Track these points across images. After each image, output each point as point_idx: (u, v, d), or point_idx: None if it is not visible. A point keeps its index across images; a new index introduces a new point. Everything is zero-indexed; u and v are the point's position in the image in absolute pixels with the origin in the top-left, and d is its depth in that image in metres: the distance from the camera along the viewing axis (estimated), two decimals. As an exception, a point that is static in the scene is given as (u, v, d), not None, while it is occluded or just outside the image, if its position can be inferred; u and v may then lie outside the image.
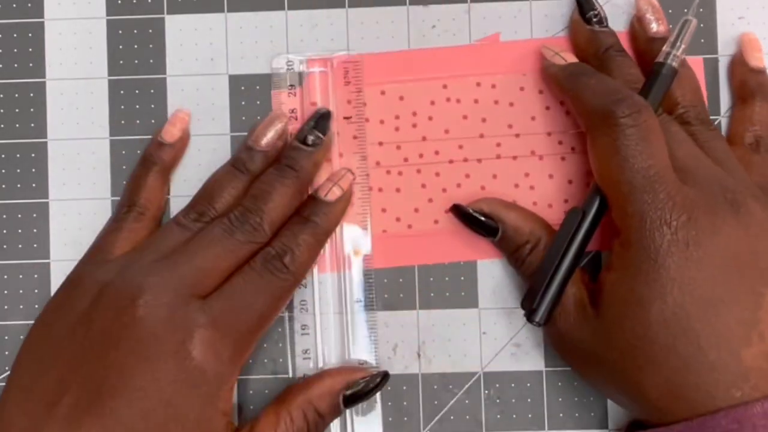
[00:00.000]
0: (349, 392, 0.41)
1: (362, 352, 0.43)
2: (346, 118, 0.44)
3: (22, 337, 0.43)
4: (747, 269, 0.36)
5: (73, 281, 0.41)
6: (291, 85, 0.44)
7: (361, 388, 0.41)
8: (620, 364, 0.37)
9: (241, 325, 0.38)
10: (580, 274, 0.40)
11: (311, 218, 0.41)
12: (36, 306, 0.44)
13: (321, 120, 0.42)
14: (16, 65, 0.45)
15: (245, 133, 0.44)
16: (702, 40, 0.44)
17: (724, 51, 0.44)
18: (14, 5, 0.45)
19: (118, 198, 0.44)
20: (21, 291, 0.44)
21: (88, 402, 0.36)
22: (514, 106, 0.44)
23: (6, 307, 0.44)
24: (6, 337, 0.44)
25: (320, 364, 0.43)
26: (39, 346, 0.39)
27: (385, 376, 0.41)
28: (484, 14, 0.45)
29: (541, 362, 0.44)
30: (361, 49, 0.44)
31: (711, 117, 0.44)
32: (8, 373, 0.43)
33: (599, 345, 0.38)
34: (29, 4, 0.45)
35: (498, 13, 0.45)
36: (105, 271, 0.40)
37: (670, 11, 0.44)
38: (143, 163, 0.43)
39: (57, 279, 0.44)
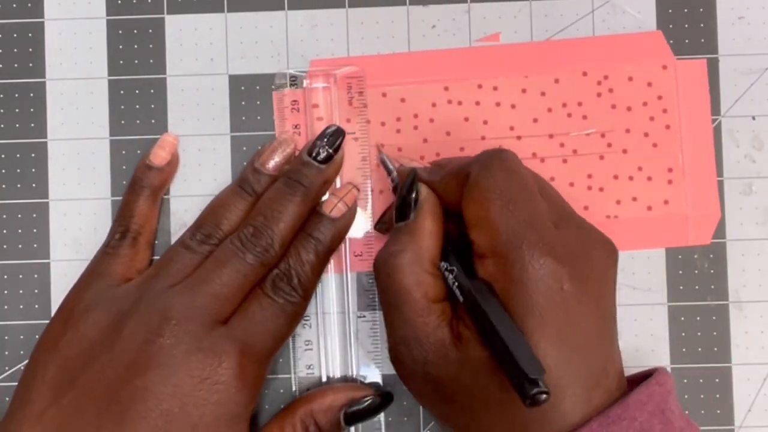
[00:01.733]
0: (350, 410, 0.41)
1: (365, 356, 0.43)
2: (349, 130, 0.43)
3: (22, 337, 0.44)
4: (595, 309, 0.35)
5: (75, 309, 0.40)
6: (294, 101, 0.44)
7: (362, 407, 0.41)
8: (476, 406, 0.35)
9: (263, 350, 0.39)
10: (449, 310, 0.38)
11: (315, 235, 0.41)
12: (36, 306, 0.44)
13: (333, 137, 0.42)
14: (16, 65, 0.45)
15: (245, 133, 0.44)
16: (702, 40, 0.44)
17: (724, 51, 0.44)
18: (14, 5, 0.45)
19: (118, 198, 0.44)
20: (21, 291, 0.44)
21: (111, 426, 0.36)
22: (516, 109, 0.44)
23: (6, 307, 0.44)
24: (6, 337, 0.44)
25: (324, 379, 0.43)
26: (46, 373, 0.38)
27: (386, 396, 0.41)
28: (484, 14, 0.45)
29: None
30: (361, 49, 0.44)
31: (711, 117, 0.44)
32: (8, 373, 0.43)
33: (459, 387, 0.36)
34: (29, 4, 0.45)
35: (498, 13, 0.45)
36: (117, 299, 0.39)
37: (669, 11, 0.44)
38: (133, 188, 0.43)
39: (57, 279, 0.44)
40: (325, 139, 0.42)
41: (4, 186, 0.44)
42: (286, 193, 0.40)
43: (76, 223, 0.44)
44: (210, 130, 0.44)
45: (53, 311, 0.41)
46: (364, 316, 0.43)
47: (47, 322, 0.40)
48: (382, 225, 0.43)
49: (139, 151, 0.44)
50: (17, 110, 0.44)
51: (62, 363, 0.38)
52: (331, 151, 0.42)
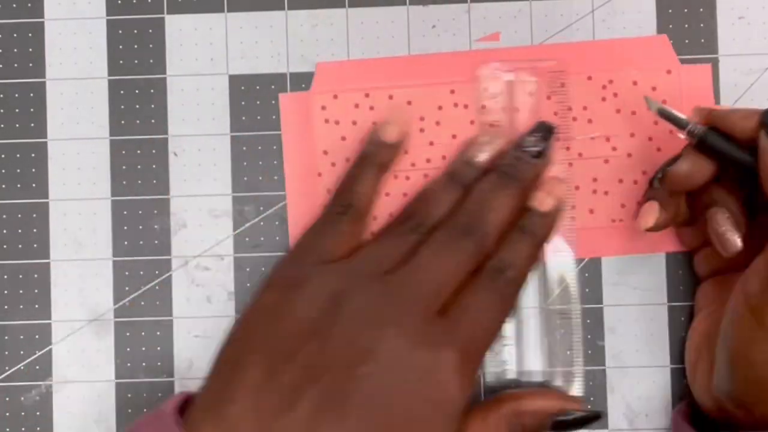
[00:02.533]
0: (560, 418, 0.39)
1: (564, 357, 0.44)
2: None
3: (22, 337, 0.44)
4: None
5: (291, 282, 0.39)
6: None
7: (574, 419, 0.40)
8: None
9: (481, 347, 0.38)
10: None
11: (528, 229, 0.40)
12: (36, 306, 0.44)
13: (546, 133, 0.42)
14: (16, 65, 0.44)
15: (245, 133, 0.44)
16: (702, 41, 0.44)
17: (724, 51, 0.44)
18: (14, 5, 0.45)
19: (119, 198, 0.44)
20: (21, 291, 0.44)
21: (332, 410, 0.35)
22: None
23: (6, 307, 0.44)
24: (6, 337, 0.44)
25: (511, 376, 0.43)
26: (255, 346, 0.37)
27: (597, 416, 0.40)
28: (484, 14, 0.45)
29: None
30: (361, 49, 0.44)
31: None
32: (8, 373, 0.43)
33: None
34: (29, 4, 0.45)
35: (498, 13, 0.45)
36: (330, 277, 0.38)
37: (669, 11, 0.44)
38: (362, 164, 0.42)
39: (57, 279, 0.44)
40: (538, 135, 0.42)
41: (4, 186, 0.44)
42: (500, 185, 0.40)
43: (76, 223, 0.44)
44: (210, 130, 0.44)
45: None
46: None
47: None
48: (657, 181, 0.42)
49: (139, 151, 0.44)
50: (17, 110, 0.44)
51: (271, 335, 0.37)
52: (543, 145, 0.41)
